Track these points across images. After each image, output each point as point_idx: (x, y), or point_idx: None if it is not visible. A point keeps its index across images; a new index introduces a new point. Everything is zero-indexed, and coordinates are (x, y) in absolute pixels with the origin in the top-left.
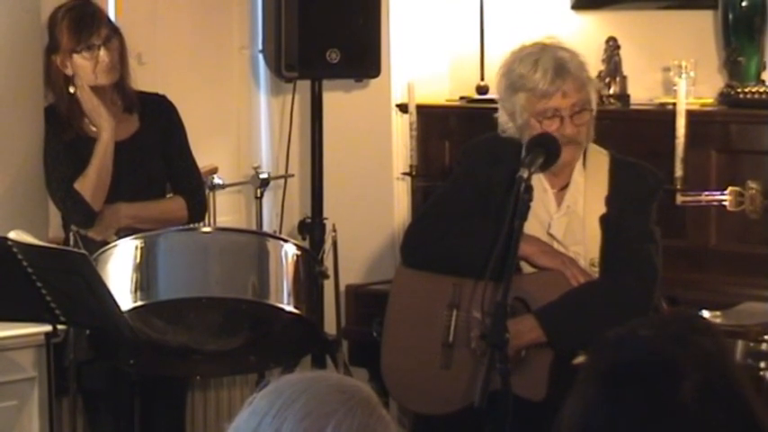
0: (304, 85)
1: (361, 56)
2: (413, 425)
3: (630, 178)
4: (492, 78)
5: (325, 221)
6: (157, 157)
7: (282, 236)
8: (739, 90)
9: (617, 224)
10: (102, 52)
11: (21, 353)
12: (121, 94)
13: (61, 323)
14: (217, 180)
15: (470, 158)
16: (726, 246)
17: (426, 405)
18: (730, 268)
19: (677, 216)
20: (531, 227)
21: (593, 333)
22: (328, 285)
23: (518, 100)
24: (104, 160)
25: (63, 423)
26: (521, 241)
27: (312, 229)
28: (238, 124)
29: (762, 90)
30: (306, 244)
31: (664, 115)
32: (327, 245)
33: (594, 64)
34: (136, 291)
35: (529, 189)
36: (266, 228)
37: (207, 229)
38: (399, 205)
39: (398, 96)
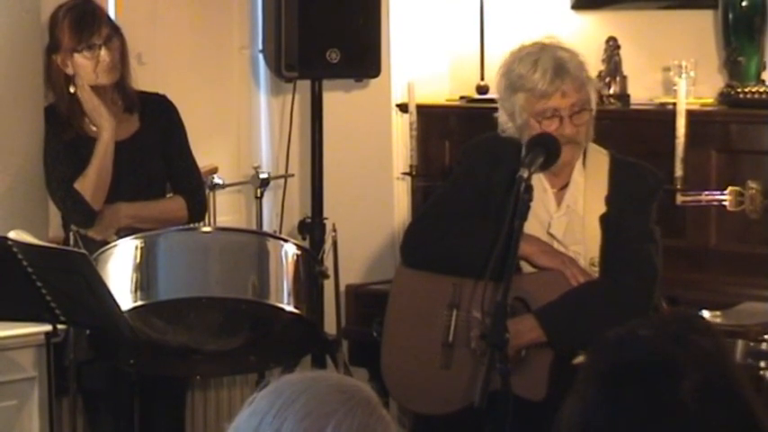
0: (304, 85)
1: (361, 56)
2: (413, 425)
3: (630, 178)
4: (492, 78)
5: (325, 221)
6: (157, 157)
7: (282, 236)
8: (739, 90)
9: (617, 224)
10: (104, 52)
11: (21, 353)
12: (122, 93)
13: (61, 323)
14: (217, 180)
15: (470, 158)
16: (726, 246)
17: (426, 405)
18: (730, 268)
19: (677, 216)
20: (531, 226)
21: (593, 333)
22: (328, 285)
23: (517, 100)
24: (104, 160)
25: (63, 423)
26: (521, 241)
27: (312, 229)
28: (238, 124)
29: (762, 90)
30: (306, 244)
31: (664, 115)
32: (327, 245)
33: (594, 64)
34: (136, 291)
35: (529, 189)
36: (266, 228)
37: (207, 228)
38: (399, 205)
39: (398, 96)
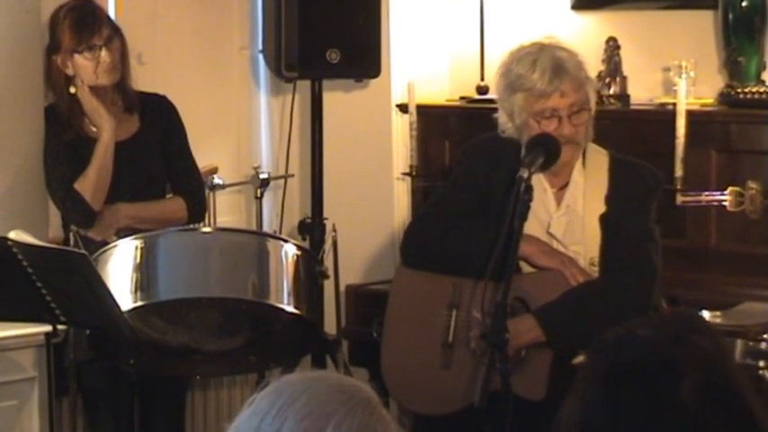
0: (304, 85)
1: (361, 56)
2: (413, 425)
3: (630, 177)
4: (492, 78)
5: (325, 221)
6: (157, 157)
7: (282, 236)
8: (739, 90)
9: (616, 223)
10: (104, 52)
11: (21, 353)
12: (122, 94)
13: (61, 323)
14: (217, 180)
15: (470, 158)
16: (726, 246)
17: (426, 405)
18: (730, 268)
19: (677, 216)
20: (531, 226)
21: (593, 333)
22: (328, 285)
23: (516, 100)
24: (104, 160)
25: (63, 423)
26: (520, 241)
27: (312, 229)
28: (238, 124)
29: (762, 90)
30: (306, 244)
31: (664, 115)
32: (327, 245)
33: (594, 64)
34: (136, 291)
35: (529, 189)
36: (266, 228)
37: (207, 229)
38: (399, 205)
39: (398, 96)
